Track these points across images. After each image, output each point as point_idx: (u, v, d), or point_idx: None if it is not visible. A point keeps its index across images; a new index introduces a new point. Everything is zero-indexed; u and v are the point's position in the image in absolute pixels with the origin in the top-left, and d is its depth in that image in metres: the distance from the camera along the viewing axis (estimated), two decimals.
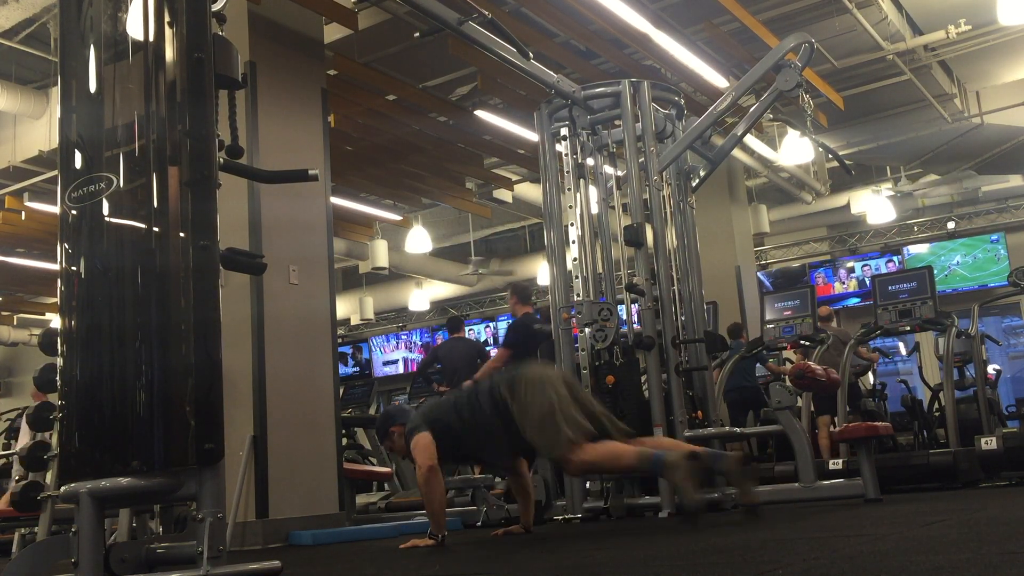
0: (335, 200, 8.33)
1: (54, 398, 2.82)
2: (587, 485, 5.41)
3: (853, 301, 13.47)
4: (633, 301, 5.59)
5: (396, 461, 8.04)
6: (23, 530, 5.53)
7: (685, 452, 3.76)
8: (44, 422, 3.90)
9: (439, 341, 12.87)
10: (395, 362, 16.60)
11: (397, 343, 16.77)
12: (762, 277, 13.41)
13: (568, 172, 5.74)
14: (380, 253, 12.43)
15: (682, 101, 6.12)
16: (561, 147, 5.85)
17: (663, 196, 5.70)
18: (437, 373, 8.76)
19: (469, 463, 5.91)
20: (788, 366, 7.77)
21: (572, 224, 5.66)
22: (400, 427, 4.24)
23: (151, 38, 2.62)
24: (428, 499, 4.00)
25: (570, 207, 5.67)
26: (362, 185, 10.91)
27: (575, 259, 5.66)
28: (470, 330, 15.43)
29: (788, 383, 5.69)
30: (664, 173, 5.75)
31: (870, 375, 8.57)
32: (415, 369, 12.76)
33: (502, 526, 4.87)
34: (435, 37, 5.70)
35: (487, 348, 12.47)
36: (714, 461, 3.99)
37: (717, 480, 5.37)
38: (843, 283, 13.82)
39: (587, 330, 5.38)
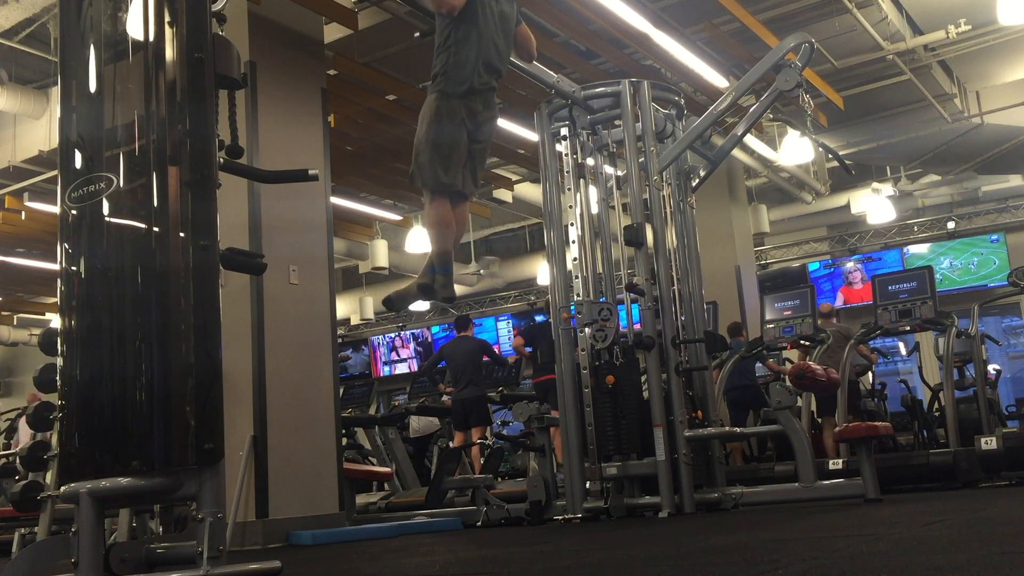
0: (335, 200, 8.33)
1: (54, 398, 2.82)
2: (587, 485, 5.41)
3: None
4: (633, 301, 5.58)
5: (396, 461, 8.05)
6: (23, 530, 5.53)
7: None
8: (44, 422, 3.91)
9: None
10: (395, 362, 16.59)
11: (397, 343, 16.77)
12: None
13: (568, 172, 5.74)
14: (380, 253, 12.43)
15: (682, 101, 6.12)
16: (561, 147, 5.85)
17: (663, 196, 5.70)
18: (441, 373, 8.76)
19: None
20: (788, 366, 7.78)
21: (572, 224, 5.66)
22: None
23: (151, 38, 2.62)
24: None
25: (570, 207, 5.67)
26: (362, 185, 10.91)
27: (575, 259, 5.66)
28: (478, 329, 15.46)
29: (788, 383, 5.69)
30: (664, 173, 5.75)
31: (869, 375, 8.57)
32: (415, 369, 12.78)
33: (502, 526, 4.87)
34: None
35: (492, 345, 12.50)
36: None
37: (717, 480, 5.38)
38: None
39: (587, 330, 5.38)
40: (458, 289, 15.50)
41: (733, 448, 7.55)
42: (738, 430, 6.37)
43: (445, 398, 8.66)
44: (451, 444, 8.13)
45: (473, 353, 8.46)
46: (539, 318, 15.42)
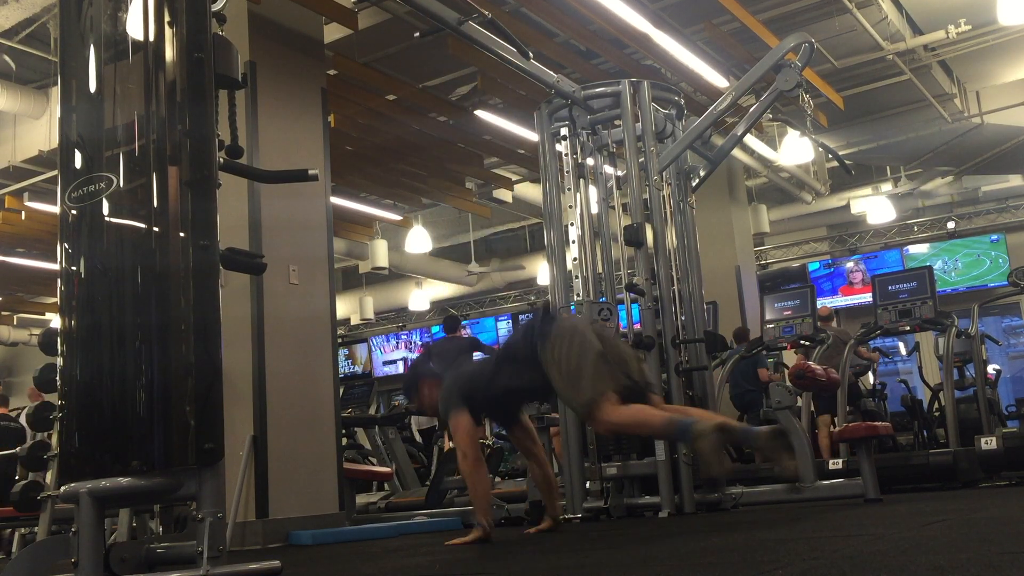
0: (335, 200, 8.33)
1: (53, 398, 2.82)
2: (587, 485, 5.41)
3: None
4: (633, 301, 5.58)
5: (396, 461, 8.05)
6: (23, 530, 5.53)
7: (715, 423, 3.55)
8: (44, 422, 3.91)
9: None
10: (395, 362, 16.60)
11: (397, 343, 16.77)
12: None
13: (568, 172, 5.74)
14: (380, 253, 12.43)
15: (682, 101, 6.11)
16: (561, 147, 5.85)
17: (663, 196, 5.70)
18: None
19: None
20: (778, 375, 7.79)
21: (572, 224, 5.66)
22: (429, 381, 4.17)
23: (151, 38, 2.62)
24: (473, 487, 3.96)
25: (570, 207, 5.67)
26: (362, 185, 10.92)
27: (575, 259, 5.66)
28: (477, 328, 15.47)
29: (788, 383, 5.69)
30: (664, 173, 5.75)
31: (870, 375, 8.57)
32: (407, 369, 12.75)
33: (502, 526, 4.86)
34: (435, 37, 5.69)
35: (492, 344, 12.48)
36: (745, 437, 3.87)
37: (718, 484, 5.38)
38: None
39: None
40: (458, 289, 15.56)
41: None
42: None
43: None
44: (451, 444, 8.13)
45: (461, 352, 8.46)
46: (504, 320, 15.49)
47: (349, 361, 16.90)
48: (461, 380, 4.11)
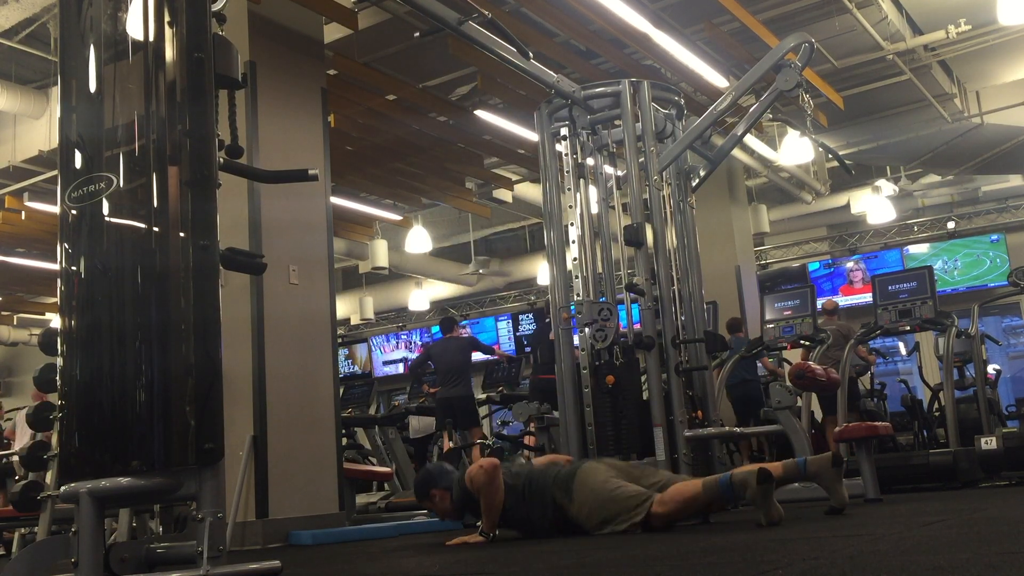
0: (335, 200, 8.33)
1: (54, 398, 2.82)
2: None
3: None
4: (633, 301, 5.58)
5: (396, 461, 8.06)
6: (23, 530, 5.53)
7: (751, 469, 3.64)
8: (44, 422, 3.91)
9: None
10: (395, 362, 16.60)
11: (397, 343, 16.77)
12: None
13: (568, 172, 5.74)
14: (380, 253, 12.43)
15: (682, 101, 6.12)
16: (561, 147, 5.85)
17: (663, 196, 5.70)
18: (429, 374, 8.75)
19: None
20: (785, 367, 7.79)
21: (572, 224, 5.66)
22: (443, 491, 4.10)
23: (151, 38, 2.62)
24: (489, 497, 3.93)
25: (570, 207, 5.67)
26: (362, 185, 10.92)
27: (575, 259, 5.66)
28: (477, 328, 15.47)
29: (788, 383, 5.69)
30: (664, 173, 5.75)
31: (869, 375, 8.57)
32: (407, 369, 12.77)
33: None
34: (435, 37, 5.70)
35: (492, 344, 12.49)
36: (798, 472, 3.88)
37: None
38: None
39: (587, 330, 5.38)
40: (458, 289, 15.56)
41: (741, 446, 7.56)
42: (738, 430, 6.36)
43: (424, 399, 8.66)
44: (451, 444, 8.13)
45: (459, 352, 8.46)
46: (504, 320, 15.49)
47: (349, 361, 16.91)
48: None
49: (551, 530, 3.95)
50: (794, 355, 8.29)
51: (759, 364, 8.49)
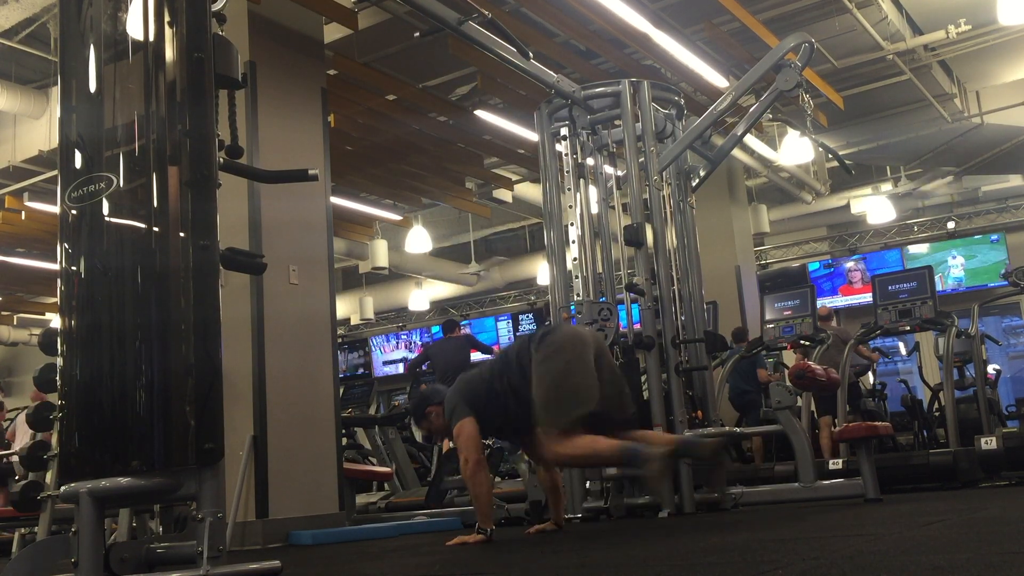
0: (335, 200, 8.33)
1: (54, 398, 2.82)
2: (587, 485, 5.41)
3: None
4: (633, 301, 5.58)
5: (396, 461, 8.05)
6: (23, 530, 5.53)
7: (663, 452, 3.63)
8: (44, 422, 3.90)
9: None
10: (395, 362, 16.60)
11: (397, 343, 16.77)
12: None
13: (568, 172, 5.74)
14: (380, 253, 12.43)
15: (682, 101, 6.12)
16: (561, 147, 5.85)
17: (663, 196, 5.70)
18: (428, 374, 8.75)
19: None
20: (777, 374, 7.79)
21: (572, 224, 5.66)
22: (438, 407, 4.18)
23: (151, 38, 2.62)
24: (475, 494, 3.97)
25: (570, 207, 5.67)
26: (362, 185, 10.92)
27: (575, 259, 5.66)
28: (477, 328, 15.46)
29: (788, 383, 5.69)
30: (664, 173, 5.75)
31: (869, 375, 8.57)
32: (406, 369, 12.76)
33: (502, 526, 4.86)
34: (435, 37, 5.70)
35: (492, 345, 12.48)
36: (687, 448, 3.99)
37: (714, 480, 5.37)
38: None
39: None
40: (458, 289, 15.55)
41: (755, 448, 7.54)
42: (738, 430, 6.37)
43: None
44: (450, 444, 8.13)
45: (458, 351, 8.46)
46: (504, 320, 15.49)
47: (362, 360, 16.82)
48: (466, 387, 4.11)
49: (528, 417, 3.89)
50: (792, 358, 8.29)
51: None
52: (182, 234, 2.52)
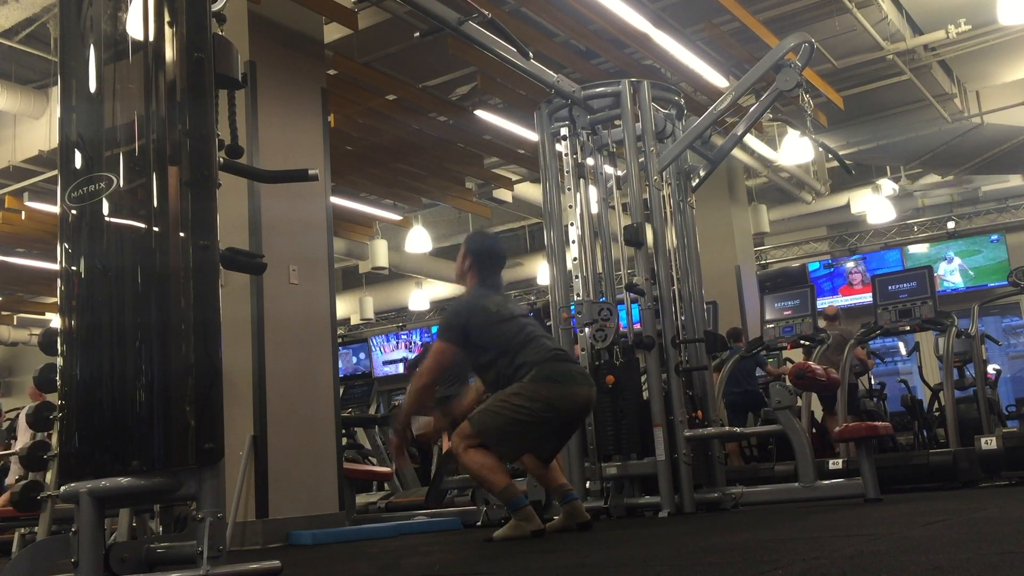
0: (335, 200, 8.33)
1: (54, 398, 2.82)
2: (587, 485, 5.41)
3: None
4: (633, 301, 5.58)
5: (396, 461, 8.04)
6: (23, 530, 5.53)
7: (529, 524, 3.82)
8: (44, 422, 3.91)
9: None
10: (395, 362, 16.60)
11: (397, 343, 16.77)
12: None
13: (568, 172, 5.74)
14: (380, 253, 12.43)
15: (682, 101, 6.11)
16: (561, 147, 5.85)
17: (663, 196, 5.70)
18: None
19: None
20: (788, 366, 7.78)
21: (572, 224, 5.65)
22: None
23: (151, 38, 2.62)
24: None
25: (570, 207, 5.66)
26: (362, 185, 10.92)
27: (575, 259, 5.66)
28: None
29: (788, 383, 5.69)
30: (664, 173, 5.74)
31: (870, 375, 8.57)
32: (406, 368, 12.77)
33: (502, 526, 4.86)
34: (435, 37, 5.69)
35: None
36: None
37: (717, 479, 5.37)
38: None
39: (587, 330, 5.38)
40: (458, 289, 15.53)
41: (731, 449, 7.54)
42: (738, 430, 6.37)
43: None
44: (450, 444, 8.12)
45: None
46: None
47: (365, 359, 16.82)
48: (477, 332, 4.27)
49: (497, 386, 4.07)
50: (796, 355, 8.29)
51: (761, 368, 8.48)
52: (182, 234, 2.52)
